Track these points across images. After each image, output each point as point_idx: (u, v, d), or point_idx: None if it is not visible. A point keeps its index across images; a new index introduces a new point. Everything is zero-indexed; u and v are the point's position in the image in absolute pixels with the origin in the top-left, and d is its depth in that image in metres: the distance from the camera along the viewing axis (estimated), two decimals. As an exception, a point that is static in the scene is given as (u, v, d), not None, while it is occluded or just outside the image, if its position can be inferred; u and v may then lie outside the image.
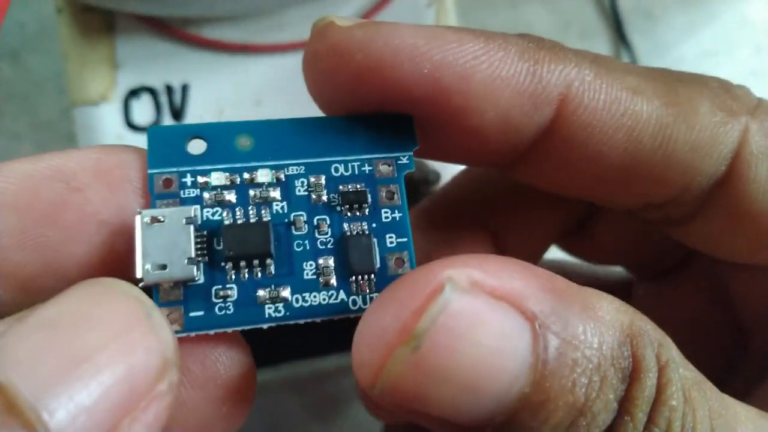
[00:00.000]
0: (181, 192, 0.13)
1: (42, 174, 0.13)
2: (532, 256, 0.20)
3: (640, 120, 0.14)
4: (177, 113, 0.28)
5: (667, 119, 0.14)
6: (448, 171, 0.29)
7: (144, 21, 0.29)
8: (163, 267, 0.12)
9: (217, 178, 0.13)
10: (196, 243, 0.13)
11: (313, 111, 0.30)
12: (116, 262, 0.13)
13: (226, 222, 0.13)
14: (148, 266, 0.12)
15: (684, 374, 0.13)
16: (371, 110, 0.14)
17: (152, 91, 0.29)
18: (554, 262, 0.23)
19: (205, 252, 0.13)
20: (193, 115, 0.28)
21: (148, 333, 0.11)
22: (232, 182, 0.14)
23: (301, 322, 0.13)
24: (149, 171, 0.13)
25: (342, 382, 0.39)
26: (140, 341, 0.11)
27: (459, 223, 0.19)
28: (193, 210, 0.13)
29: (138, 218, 0.12)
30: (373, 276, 0.14)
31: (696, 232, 0.16)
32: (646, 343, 0.12)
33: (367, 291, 0.14)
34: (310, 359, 0.30)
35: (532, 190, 0.18)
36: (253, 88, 0.29)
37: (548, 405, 0.12)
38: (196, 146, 0.14)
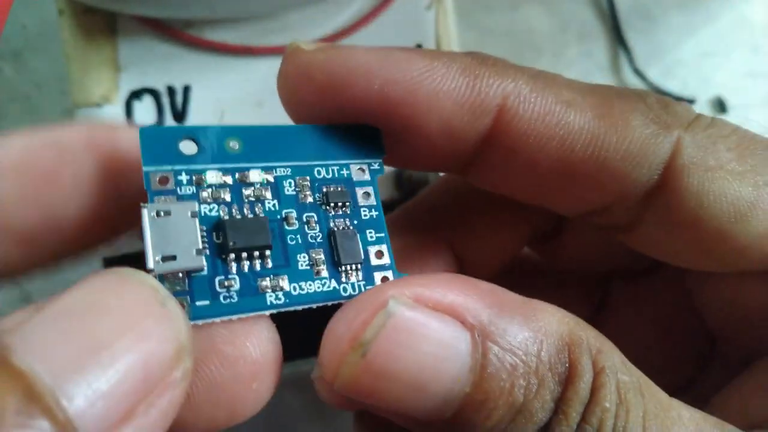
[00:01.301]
0: (178, 189, 0.14)
1: (38, 144, 0.14)
2: (491, 265, 0.21)
3: (572, 130, 0.16)
4: (179, 115, 0.29)
5: (598, 130, 0.16)
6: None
7: (146, 23, 0.29)
8: (173, 258, 0.13)
9: (212, 177, 0.14)
10: (201, 236, 0.14)
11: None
12: (109, 218, 0.15)
13: (225, 217, 0.14)
14: (158, 257, 0.13)
15: (622, 378, 0.14)
16: (337, 122, 0.16)
17: (154, 93, 0.29)
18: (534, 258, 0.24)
19: (207, 246, 0.14)
20: (195, 117, 0.29)
21: (163, 321, 0.12)
22: (226, 182, 0.14)
23: (299, 308, 0.14)
24: (144, 168, 0.14)
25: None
26: (155, 329, 0.12)
27: (422, 233, 0.20)
28: (196, 205, 0.14)
29: (145, 211, 0.13)
30: (359, 265, 0.15)
31: (641, 238, 0.18)
32: (583, 351, 0.14)
33: (355, 279, 0.15)
34: (310, 359, 0.30)
35: (491, 203, 0.20)
36: (255, 89, 0.29)
37: (488, 403, 0.13)
38: (188, 147, 0.14)
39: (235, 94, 0.29)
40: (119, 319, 0.11)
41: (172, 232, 0.13)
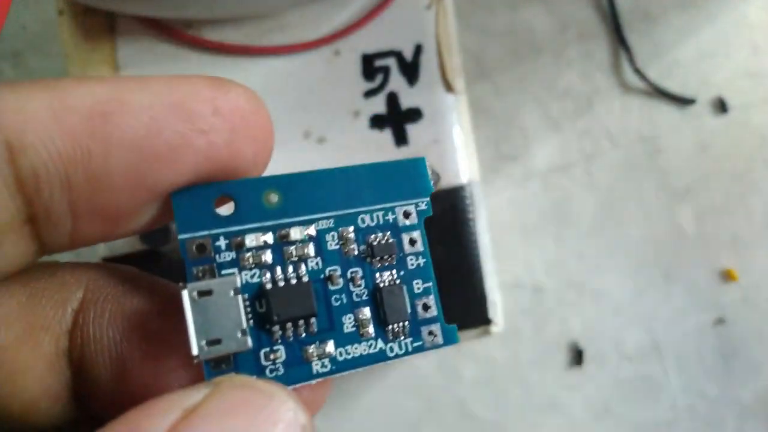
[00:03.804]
0: (216, 256, 0.13)
1: (166, 111, 0.12)
2: None
3: None
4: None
5: None
6: (449, 172, 0.29)
7: (145, 23, 0.29)
8: (218, 341, 0.12)
9: (252, 240, 0.13)
10: (245, 311, 0.13)
11: (313, 112, 0.30)
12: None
13: (268, 285, 0.13)
14: (202, 342, 0.12)
15: None
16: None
17: (154, 93, 0.29)
18: None
19: (250, 317, 0.13)
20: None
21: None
22: (266, 242, 0.14)
23: (345, 374, 0.14)
24: (179, 236, 0.13)
25: (343, 381, 0.39)
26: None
27: None
28: (239, 279, 0.13)
29: (185, 293, 0.12)
30: (406, 323, 0.14)
31: None
32: None
33: (402, 337, 0.14)
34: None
35: None
36: (254, 89, 0.29)
37: None
38: (224, 207, 0.14)
39: (235, 94, 0.29)
40: None
41: (214, 313, 0.12)
